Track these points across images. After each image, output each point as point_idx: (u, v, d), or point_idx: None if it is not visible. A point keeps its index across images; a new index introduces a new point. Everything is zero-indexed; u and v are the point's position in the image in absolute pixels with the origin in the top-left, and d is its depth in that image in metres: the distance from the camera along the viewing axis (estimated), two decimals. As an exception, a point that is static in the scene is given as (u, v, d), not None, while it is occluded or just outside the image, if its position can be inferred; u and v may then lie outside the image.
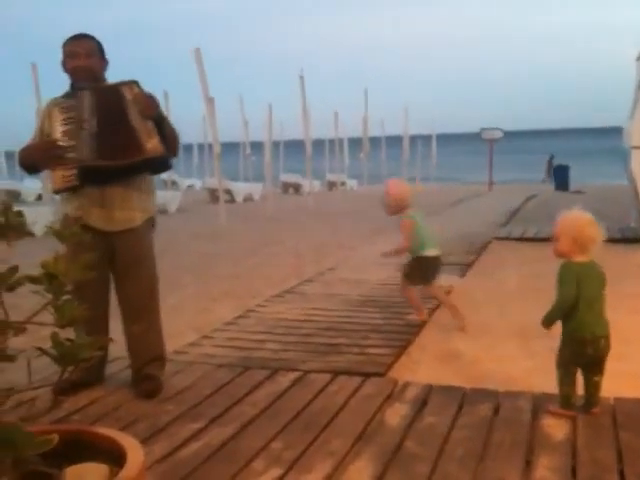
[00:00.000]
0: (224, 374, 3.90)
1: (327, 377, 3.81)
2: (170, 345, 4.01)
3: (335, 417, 3.25)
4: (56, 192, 3.58)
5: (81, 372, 3.57)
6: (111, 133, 3.42)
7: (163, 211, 14.88)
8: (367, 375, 3.85)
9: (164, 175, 22.64)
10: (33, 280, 1.56)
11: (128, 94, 3.46)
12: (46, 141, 3.46)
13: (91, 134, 3.39)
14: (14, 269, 1.60)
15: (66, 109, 3.45)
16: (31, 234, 1.71)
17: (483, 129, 25.12)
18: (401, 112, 26.43)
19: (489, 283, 6.79)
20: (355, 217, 14.18)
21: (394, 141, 27.21)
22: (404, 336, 4.71)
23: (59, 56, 3.53)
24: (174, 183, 23.49)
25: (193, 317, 5.51)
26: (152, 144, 3.42)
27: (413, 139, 27.38)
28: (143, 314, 3.63)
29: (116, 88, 3.50)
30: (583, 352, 3.07)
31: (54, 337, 1.50)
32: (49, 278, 1.54)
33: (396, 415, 3.25)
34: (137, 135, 3.41)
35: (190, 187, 26.97)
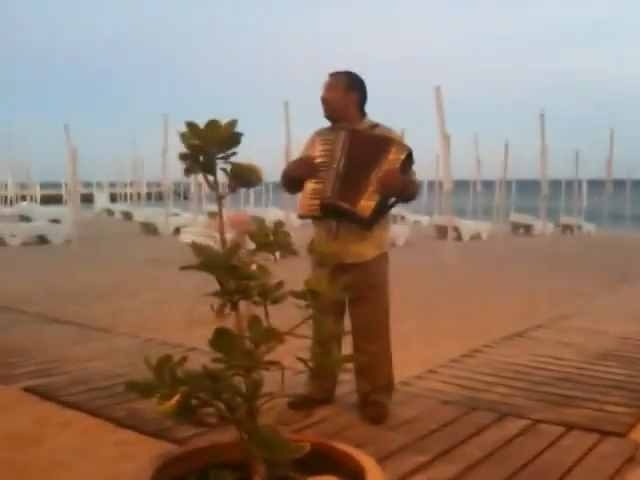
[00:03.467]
0: (450, 411, 3.85)
1: (559, 430, 3.59)
2: (395, 375, 4.05)
3: (568, 473, 3.04)
4: (300, 217, 3.82)
5: (316, 389, 3.76)
6: (354, 177, 3.53)
7: (391, 244, 15.17)
8: (605, 433, 3.55)
9: (393, 210, 23.18)
10: (297, 295, 1.69)
11: (392, 154, 3.52)
12: (307, 157, 3.68)
13: (338, 173, 3.54)
14: (280, 284, 1.74)
15: (325, 142, 3.65)
16: (294, 253, 1.84)
17: None
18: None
19: None
20: (593, 263, 13.23)
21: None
22: (649, 397, 4.26)
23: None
24: (402, 218, 23.89)
25: (418, 350, 5.51)
26: (366, 205, 3.49)
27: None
28: (375, 340, 3.73)
29: (388, 141, 3.57)
30: None
31: (314, 350, 1.60)
32: (312, 294, 1.64)
33: (639, 481, 2.96)
34: (363, 190, 3.50)
35: (417, 222, 27.25)
